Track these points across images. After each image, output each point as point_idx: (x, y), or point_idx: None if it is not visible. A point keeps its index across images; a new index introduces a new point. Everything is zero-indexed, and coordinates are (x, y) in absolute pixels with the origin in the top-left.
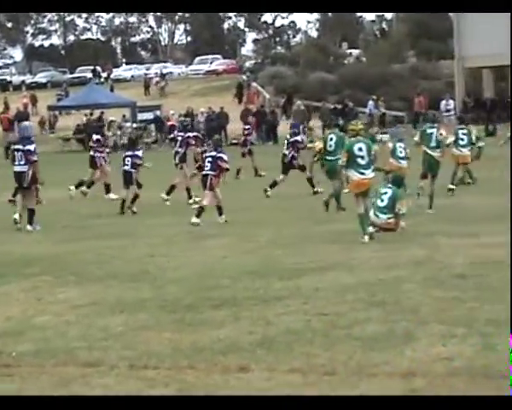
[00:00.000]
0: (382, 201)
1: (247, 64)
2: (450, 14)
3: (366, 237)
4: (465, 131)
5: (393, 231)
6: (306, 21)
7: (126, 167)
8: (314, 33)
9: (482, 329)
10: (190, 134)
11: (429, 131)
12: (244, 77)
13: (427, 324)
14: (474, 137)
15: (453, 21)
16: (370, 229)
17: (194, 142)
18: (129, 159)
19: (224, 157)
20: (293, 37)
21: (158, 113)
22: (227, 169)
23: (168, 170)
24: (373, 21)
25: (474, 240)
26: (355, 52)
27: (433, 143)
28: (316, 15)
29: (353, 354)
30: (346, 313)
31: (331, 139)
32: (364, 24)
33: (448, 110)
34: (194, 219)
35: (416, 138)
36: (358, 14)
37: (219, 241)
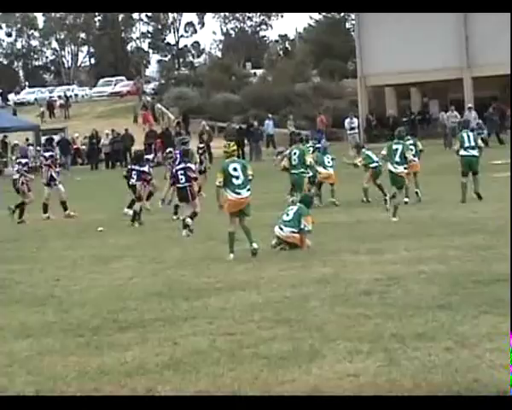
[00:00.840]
0: (288, 215)
1: (152, 85)
2: (353, 33)
3: (231, 256)
4: (412, 142)
5: (300, 248)
6: (212, 41)
7: (133, 181)
8: (218, 53)
9: (387, 344)
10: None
11: (395, 147)
12: (148, 98)
13: (333, 341)
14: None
15: (355, 40)
16: (273, 243)
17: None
18: (135, 172)
19: (193, 167)
20: (198, 57)
21: (63, 135)
22: (195, 178)
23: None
24: (276, 41)
25: (378, 257)
26: (259, 72)
27: (397, 159)
28: (219, 36)
29: (260, 373)
30: (253, 332)
31: (295, 153)
32: (268, 44)
33: (352, 128)
34: (185, 232)
35: (384, 152)
36: (262, 33)
37: (125, 263)
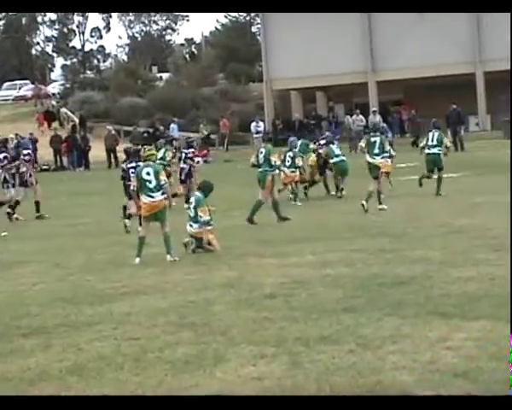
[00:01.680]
0: (192, 212)
1: (57, 89)
2: (259, 37)
3: (137, 260)
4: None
5: (208, 250)
6: (116, 46)
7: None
8: (124, 57)
9: (291, 348)
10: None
11: (373, 139)
12: (54, 102)
13: (238, 345)
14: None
15: (261, 44)
16: (185, 240)
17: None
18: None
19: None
20: (104, 61)
21: None
22: None
23: None
24: (182, 45)
25: (284, 260)
26: (165, 76)
27: (376, 151)
28: (125, 40)
29: (164, 378)
30: (157, 337)
31: (261, 153)
32: (174, 47)
33: (258, 132)
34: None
35: (362, 144)
36: (168, 37)
37: (29, 268)
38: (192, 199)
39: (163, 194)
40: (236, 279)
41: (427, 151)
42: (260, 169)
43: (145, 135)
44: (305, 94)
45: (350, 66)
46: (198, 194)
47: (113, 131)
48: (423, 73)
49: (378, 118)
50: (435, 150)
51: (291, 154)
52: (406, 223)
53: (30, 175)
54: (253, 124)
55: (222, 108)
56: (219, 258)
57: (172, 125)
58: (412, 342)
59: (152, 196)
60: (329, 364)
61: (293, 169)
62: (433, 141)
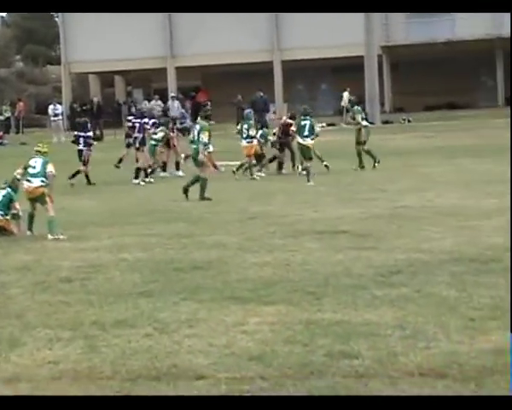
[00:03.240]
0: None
1: None
2: (57, 19)
3: (28, 232)
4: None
5: (9, 234)
6: None
7: (80, 146)
8: None
9: (87, 331)
10: (146, 120)
11: (303, 122)
12: None
13: (34, 328)
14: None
15: (59, 27)
16: None
17: (149, 127)
18: (81, 139)
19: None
20: None
21: None
22: None
23: None
24: None
25: (81, 244)
26: None
27: (306, 133)
28: None
29: None
30: None
31: (195, 129)
32: None
33: (56, 115)
34: None
35: (293, 128)
36: None
37: None
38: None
39: (42, 181)
40: (33, 263)
41: (300, 140)
42: (194, 146)
43: None
44: (104, 78)
45: (149, 51)
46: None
47: None
48: (221, 59)
49: (177, 104)
50: (308, 140)
51: (246, 126)
52: (204, 208)
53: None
54: (51, 107)
55: (18, 90)
56: (16, 241)
57: None
58: (208, 327)
59: (30, 181)
60: (126, 348)
61: (250, 140)
62: (305, 131)
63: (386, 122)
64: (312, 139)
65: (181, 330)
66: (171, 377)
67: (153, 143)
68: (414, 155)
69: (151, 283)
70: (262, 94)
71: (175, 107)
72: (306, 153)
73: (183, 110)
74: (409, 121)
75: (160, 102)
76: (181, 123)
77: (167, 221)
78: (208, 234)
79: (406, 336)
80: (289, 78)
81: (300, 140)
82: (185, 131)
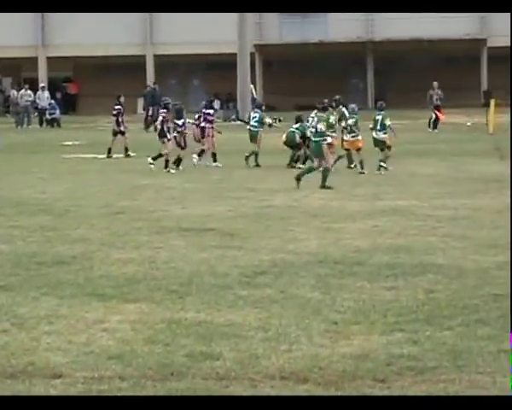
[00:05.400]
0: None
1: None
2: None
3: None
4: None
5: None
6: None
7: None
8: None
9: None
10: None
11: (377, 117)
12: None
13: None
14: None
15: None
16: None
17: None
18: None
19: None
20: None
21: None
22: None
23: None
24: None
25: None
26: None
27: (378, 127)
28: None
29: None
30: None
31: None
32: None
33: None
34: None
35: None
36: None
37: None
38: None
39: None
40: None
41: (249, 128)
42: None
43: None
44: None
45: (19, 39)
46: None
47: None
48: (93, 51)
49: (46, 94)
50: (381, 134)
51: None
52: (69, 201)
53: None
54: None
55: None
56: None
57: None
58: (68, 324)
59: None
60: None
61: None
62: (377, 125)
63: None
64: (385, 133)
65: (40, 326)
66: (26, 376)
67: None
68: (285, 153)
69: (11, 276)
70: (154, 86)
71: (44, 97)
72: (380, 145)
73: (53, 101)
74: (279, 121)
75: (29, 92)
76: (50, 113)
77: (31, 213)
78: (73, 228)
79: (269, 339)
80: (162, 72)
81: (375, 135)
82: (54, 122)
